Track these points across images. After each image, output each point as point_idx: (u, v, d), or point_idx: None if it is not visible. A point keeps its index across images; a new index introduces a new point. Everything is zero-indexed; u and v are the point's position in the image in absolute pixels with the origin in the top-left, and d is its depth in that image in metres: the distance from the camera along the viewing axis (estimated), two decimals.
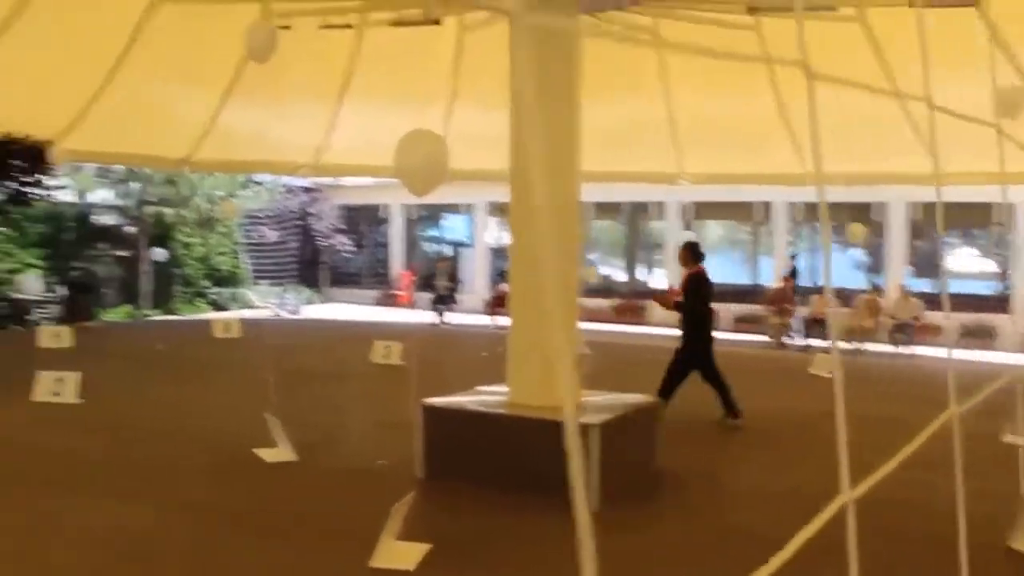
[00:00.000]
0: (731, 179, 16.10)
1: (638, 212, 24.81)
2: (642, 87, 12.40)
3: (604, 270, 25.21)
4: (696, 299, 9.18)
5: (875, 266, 21.64)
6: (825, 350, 14.56)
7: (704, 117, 13.69)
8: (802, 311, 18.39)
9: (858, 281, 20.79)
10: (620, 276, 25.75)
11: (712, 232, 26.44)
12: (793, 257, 20.35)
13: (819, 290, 18.92)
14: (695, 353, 9.14)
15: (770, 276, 21.08)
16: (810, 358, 13.11)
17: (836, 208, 19.75)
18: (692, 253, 9.43)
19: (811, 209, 21.38)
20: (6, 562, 4.92)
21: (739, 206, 22.44)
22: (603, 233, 26.70)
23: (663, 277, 21.29)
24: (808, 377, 12.25)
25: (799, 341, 18.00)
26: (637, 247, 25.70)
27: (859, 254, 22.09)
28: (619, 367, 10.43)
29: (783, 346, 18.05)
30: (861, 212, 19.77)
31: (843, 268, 21.67)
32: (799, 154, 12.82)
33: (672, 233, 23.56)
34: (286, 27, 9.53)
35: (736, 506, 6.41)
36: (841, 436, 1.01)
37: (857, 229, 16.48)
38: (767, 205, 22.29)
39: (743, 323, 20.08)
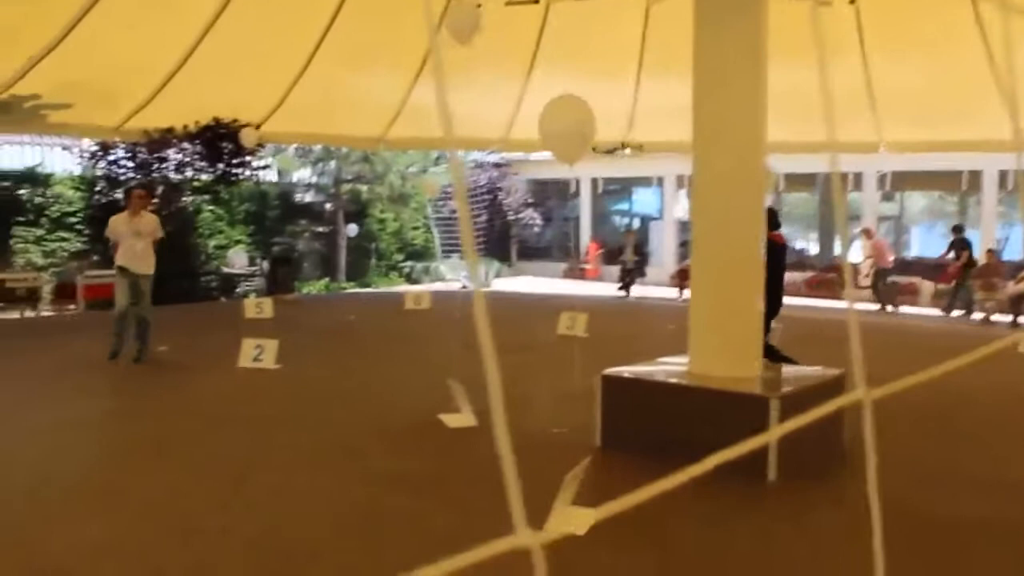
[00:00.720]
0: (933, 147, 15.30)
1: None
2: (839, 52, 11.94)
3: (797, 244, 24.45)
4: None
5: None
6: None
7: (904, 82, 13.04)
8: (1010, 287, 17.21)
9: None
10: (813, 249, 24.93)
11: (915, 203, 25.16)
12: (956, 229, 18.72)
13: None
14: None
15: (978, 250, 19.69)
16: (1019, 336, 12.28)
17: None
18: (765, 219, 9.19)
19: None
20: (206, 532, 5.26)
21: (945, 175, 21.20)
22: (795, 207, 25.90)
23: (858, 250, 20.40)
24: (1016, 356, 11.49)
25: (1005, 318, 16.87)
26: (831, 219, 24.79)
27: None
28: (810, 341, 10.12)
29: (990, 323, 17.00)
30: None
31: None
32: (1014, 117, 12.04)
33: (870, 205, 22.58)
34: (477, 5, 9.70)
35: (922, 489, 6.06)
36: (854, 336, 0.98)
37: None
38: (975, 174, 20.90)
39: (942, 298, 19.01)
